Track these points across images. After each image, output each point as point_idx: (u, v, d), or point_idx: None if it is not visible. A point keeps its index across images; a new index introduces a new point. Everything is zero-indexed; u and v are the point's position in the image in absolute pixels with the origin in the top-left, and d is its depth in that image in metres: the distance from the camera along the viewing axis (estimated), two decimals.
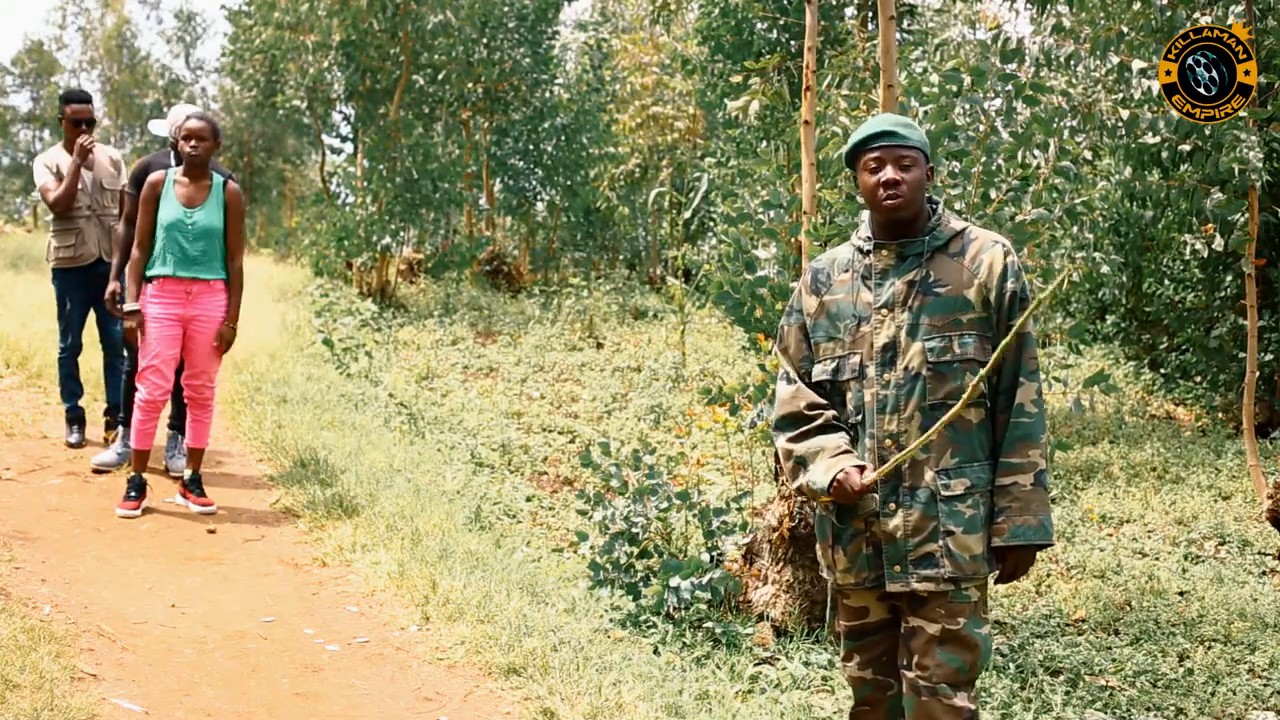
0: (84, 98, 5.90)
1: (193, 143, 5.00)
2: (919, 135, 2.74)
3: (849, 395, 2.74)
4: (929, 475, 2.65)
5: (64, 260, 5.79)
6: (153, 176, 5.10)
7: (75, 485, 5.39)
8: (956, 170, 4.77)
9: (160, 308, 5.05)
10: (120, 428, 5.77)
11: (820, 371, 2.78)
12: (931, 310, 2.65)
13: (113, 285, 5.42)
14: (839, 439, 2.71)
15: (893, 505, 2.67)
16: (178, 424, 5.76)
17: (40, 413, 6.56)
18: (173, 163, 5.41)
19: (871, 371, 2.70)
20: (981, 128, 4.82)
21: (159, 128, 5.79)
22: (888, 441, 2.68)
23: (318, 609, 4.22)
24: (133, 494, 5.11)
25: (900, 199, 2.68)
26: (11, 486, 5.24)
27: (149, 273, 5.07)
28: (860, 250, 2.79)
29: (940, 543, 2.63)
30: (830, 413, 2.75)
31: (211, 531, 4.98)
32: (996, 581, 2.69)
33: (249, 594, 4.29)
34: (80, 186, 5.75)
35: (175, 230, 5.01)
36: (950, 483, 2.64)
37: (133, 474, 5.14)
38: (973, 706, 2.64)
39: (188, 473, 5.27)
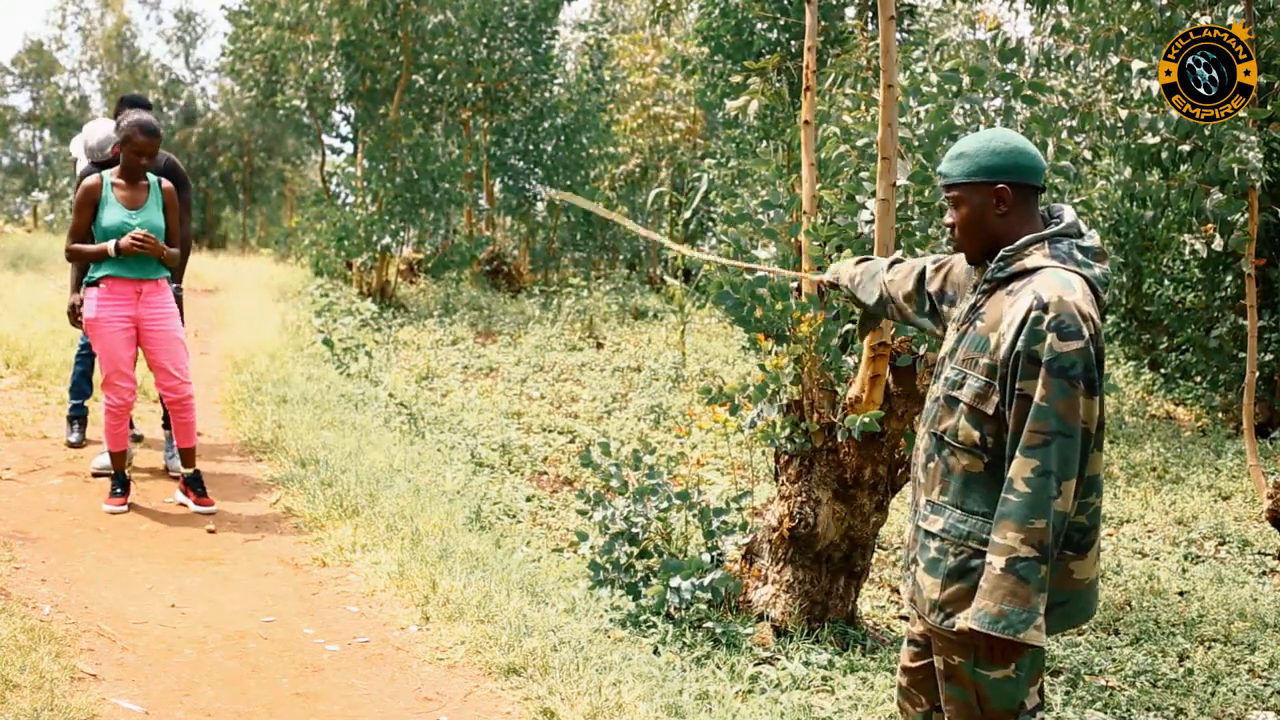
0: (148, 103, 5.97)
1: (144, 160, 4.95)
2: (965, 165, 2.54)
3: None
4: (922, 500, 2.60)
5: None
6: (88, 181, 5.00)
7: (75, 485, 5.39)
8: None
9: (111, 310, 4.97)
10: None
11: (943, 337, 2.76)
12: (967, 341, 2.53)
13: (74, 297, 5.44)
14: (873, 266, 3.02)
15: (912, 510, 2.71)
16: (169, 423, 5.77)
17: (40, 413, 6.56)
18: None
19: (933, 375, 2.68)
20: (981, 127, 4.81)
21: (78, 148, 5.78)
22: (919, 449, 2.66)
23: (318, 609, 4.22)
24: (118, 490, 5.13)
25: (954, 240, 2.61)
26: (11, 486, 5.24)
27: (95, 274, 4.97)
28: None
29: (913, 570, 2.62)
30: (885, 274, 2.97)
31: (211, 531, 4.98)
32: (951, 633, 2.50)
33: (249, 594, 4.29)
34: None
35: (120, 233, 4.91)
36: (929, 515, 2.56)
37: (115, 471, 5.15)
38: None
39: (187, 471, 5.26)
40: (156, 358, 5.10)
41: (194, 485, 5.24)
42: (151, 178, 5.10)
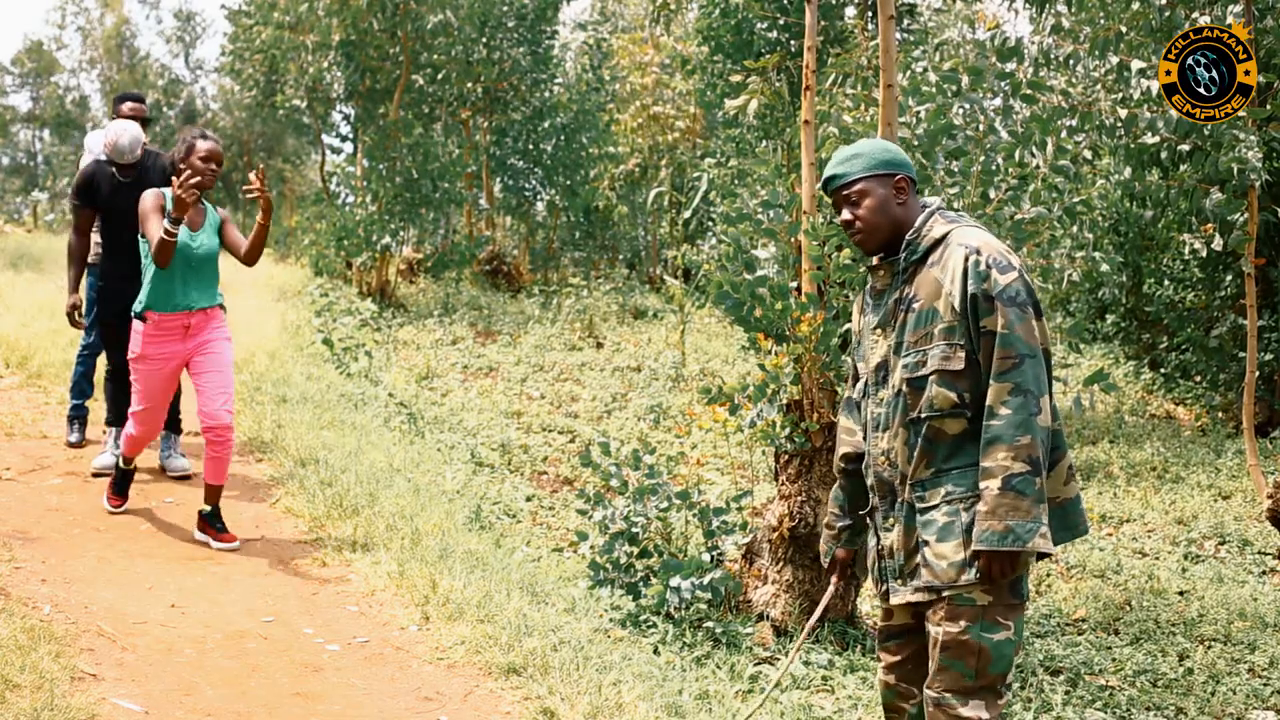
0: (141, 98, 5.91)
1: (213, 165, 4.72)
2: (864, 162, 2.73)
3: (865, 413, 2.85)
4: (907, 490, 2.69)
5: None
6: (154, 193, 4.75)
7: (75, 485, 5.39)
8: (955, 170, 4.78)
9: (156, 347, 4.73)
10: (113, 428, 5.69)
11: (856, 392, 2.90)
12: (912, 327, 2.67)
13: (73, 298, 5.41)
14: (836, 505, 2.99)
15: (891, 520, 2.73)
16: (172, 424, 5.76)
17: (40, 413, 6.56)
18: (117, 175, 5.35)
19: (871, 390, 2.80)
20: (980, 127, 4.82)
21: (96, 144, 5.70)
22: (881, 459, 2.75)
23: (318, 609, 4.22)
24: (119, 489, 5.10)
25: (859, 234, 2.76)
26: (11, 486, 5.24)
27: (139, 307, 4.73)
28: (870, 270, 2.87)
29: (920, 554, 2.65)
30: (847, 466, 2.94)
31: None
32: (978, 581, 2.56)
33: (249, 594, 4.29)
34: None
35: (181, 253, 4.69)
36: (924, 494, 2.65)
37: (120, 469, 5.08)
38: (987, 716, 2.55)
39: (206, 508, 4.87)
40: (203, 391, 4.76)
41: (213, 521, 4.87)
42: (205, 202, 4.89)
